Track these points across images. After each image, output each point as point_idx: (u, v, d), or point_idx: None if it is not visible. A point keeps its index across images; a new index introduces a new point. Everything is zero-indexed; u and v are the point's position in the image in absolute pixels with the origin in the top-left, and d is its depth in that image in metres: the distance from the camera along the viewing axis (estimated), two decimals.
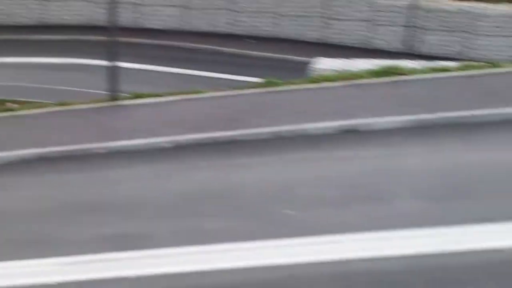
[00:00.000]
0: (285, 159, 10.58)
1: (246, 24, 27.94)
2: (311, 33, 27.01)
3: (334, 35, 26.76)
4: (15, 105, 16.98)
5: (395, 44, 25.83)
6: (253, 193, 9.33)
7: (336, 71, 17.29)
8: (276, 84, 14.49)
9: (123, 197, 9.74)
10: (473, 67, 14.46)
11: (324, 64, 18.91)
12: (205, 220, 8.51)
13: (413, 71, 14.56)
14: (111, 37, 14.90)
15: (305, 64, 20.65)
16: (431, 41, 25.30)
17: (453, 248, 7.20)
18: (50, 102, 16.37)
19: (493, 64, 14.62)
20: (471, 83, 13.19)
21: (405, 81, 13.73)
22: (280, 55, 25.36)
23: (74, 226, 8.74)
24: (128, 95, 15.81)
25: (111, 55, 14.93)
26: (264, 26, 27.82)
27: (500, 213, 7.87)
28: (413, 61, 18.58)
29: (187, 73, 23.46)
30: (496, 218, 7.72)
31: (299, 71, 19.20)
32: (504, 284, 6.53)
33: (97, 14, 26.98)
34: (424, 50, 25.26)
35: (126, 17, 24.77)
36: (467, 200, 8.40)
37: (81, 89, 20.94)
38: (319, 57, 19.99)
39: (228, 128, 12.13)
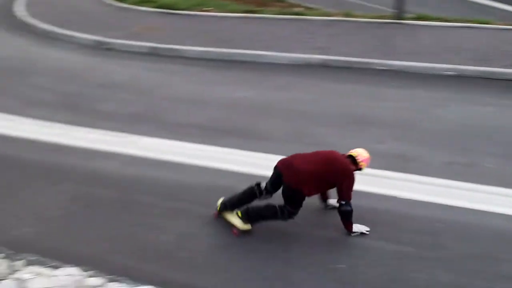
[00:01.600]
0: None
1: None
2: None
3: None
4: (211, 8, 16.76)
5: None
6: None
7: None
8: None
9: (395, 116, 9.57)
10: None
11: None
12: (480, 158, 8.06)
13: None
14: None
15: None
16: None
17: None
18: (334, 11, 16.49)
19: None
20: None
21: None
22: None
23: (350, 136, 8.82)
24: (412, 15, 15.32)
25: None
26: None
27: None
28: None
29: (478, 2, 21.99)
30: None
31: None
32: None
33: None
34: None
35: None
36: None
37: (365, 3, 20.73)
38: None
39: None
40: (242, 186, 6.66)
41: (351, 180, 6.15)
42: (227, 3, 17.47)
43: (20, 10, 14.86)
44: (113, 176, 7.91)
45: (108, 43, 13.40)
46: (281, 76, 11.64)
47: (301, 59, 12.40)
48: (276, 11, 16.32)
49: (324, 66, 12.07)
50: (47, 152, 8.71)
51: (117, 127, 9.48)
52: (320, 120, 9.47)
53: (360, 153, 6.43)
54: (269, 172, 6.43)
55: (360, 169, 6.41)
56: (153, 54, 13.01)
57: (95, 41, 13.56)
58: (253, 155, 8.25)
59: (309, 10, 17.35)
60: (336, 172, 6.14)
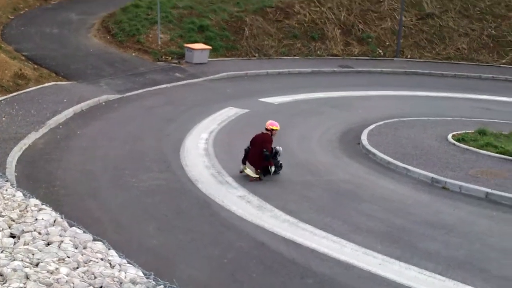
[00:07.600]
0: None
1: None
2: None
3: None
4: None
5: None
6: None
7: None
8: None
9: None
10: None
11: None
12: None
13: None
14: None
15: None
16: None
17: None
18: None
19: None
20: None
21: None
22: None
23: None
24: None
25: None
26: None
27: None
28: None
29: None
30: None
31: None
32: None
33: None
34: None
35: None
36: None
37: None
38: None
39: None
40: None
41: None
42: None
43: (363, 139, 15.96)
44: None
45: (444, 182, 13.41)
46: None
47: None
48: None
49: None
50: (362, 279, 9.03)
51: (435, 268, 9.37)
52: None
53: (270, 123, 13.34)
54: None
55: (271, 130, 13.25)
56: (488, 200, 12.60)
57: (430, 178, 13.70)
58: None
59: None
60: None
